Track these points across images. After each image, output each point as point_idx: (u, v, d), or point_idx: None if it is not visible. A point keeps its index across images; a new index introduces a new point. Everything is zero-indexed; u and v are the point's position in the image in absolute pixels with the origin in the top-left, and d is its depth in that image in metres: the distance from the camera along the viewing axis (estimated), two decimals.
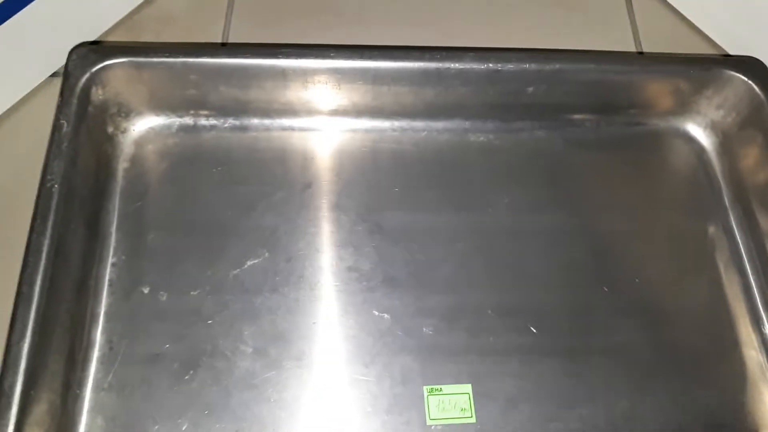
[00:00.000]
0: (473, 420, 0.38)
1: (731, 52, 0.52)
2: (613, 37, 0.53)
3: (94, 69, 0.41)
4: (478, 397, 0.39)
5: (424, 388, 0.39)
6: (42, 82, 0.48)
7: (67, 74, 0.41)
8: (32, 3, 0.43)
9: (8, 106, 0.47)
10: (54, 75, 0.48)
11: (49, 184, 0.38)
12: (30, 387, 0.33)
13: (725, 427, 0.39)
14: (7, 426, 0.31)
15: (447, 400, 0.38)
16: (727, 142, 0.47)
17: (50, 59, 0.48)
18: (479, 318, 0.41)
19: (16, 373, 0.32)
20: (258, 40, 0.51)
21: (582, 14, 0.54)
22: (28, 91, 0.47)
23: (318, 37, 0.50)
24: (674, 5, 0.55)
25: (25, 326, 0.33)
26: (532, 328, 0.41)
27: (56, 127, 0.39)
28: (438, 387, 0.39)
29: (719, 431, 0.39)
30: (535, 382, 0.39)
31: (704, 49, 0.53)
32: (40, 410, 0.34)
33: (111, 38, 0.51)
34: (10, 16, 0.43)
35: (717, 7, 0.52)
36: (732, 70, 0.45)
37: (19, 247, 0.36)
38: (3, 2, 0.42)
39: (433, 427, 0.38)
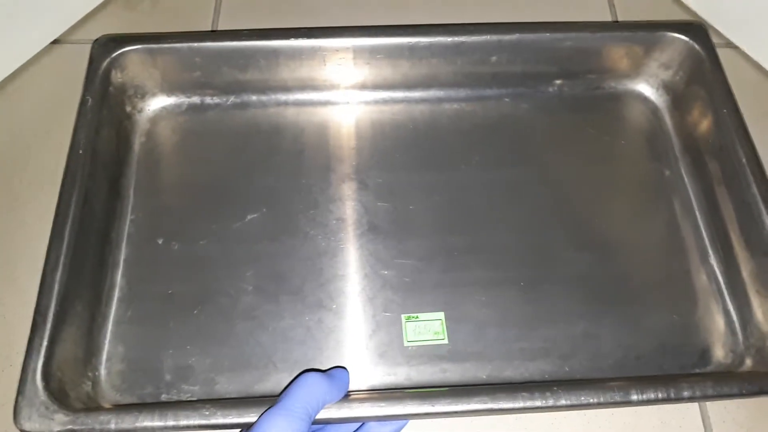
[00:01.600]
0: (445, 341, 0.43)
1: (707, 19, 0.57)
2: (590, 7, 0.59)
3: (113, 55, 0.48)
4: (450, 322, 0.44)
5: (402, 316, 0.44)
6: (42, 49, 0.53)
7: (91, 60, 0.48)
8: None
9: (11, 71, 0.52)
10: (54, 42, 0.53)
11: (76, 149, 0.44)
12: (62, 310, 0.39)
13: (676, 347, 0.43)
14: (42, 339, 0.37)
15: (422, 326, 0.44)
16: (676, 99, 0.52)
17: (50, 27, 0.52)
18: (451, 257, 0.46)
19: (50, 297, 0.38)
20: (249, 8, 0.57)
21: None
22: (30, 57, 0.52)
23: (307, 11, 0.57)
24: None
25: (58, 259, 0.39)
26: (498, 265, 0.46)
27: (82, 103, 0.46)
28: (415, 315, 0.44)
29: (671, 350, 0.43)
30: (501, 309, 0.44)
31: (680, 17, 0.58)
32: (70, 333, 0.40)
33: (109, 8, 0.56)
34: None
35: None
36: (676, 33, 0.50)
37: (49, 202, 0.42)
38: None
39: (410, 348, 0.43)
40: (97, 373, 0.41)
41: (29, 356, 0.37)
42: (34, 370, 0.36)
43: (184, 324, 0.43)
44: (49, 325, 0.38)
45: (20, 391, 0.36)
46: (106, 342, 0.43)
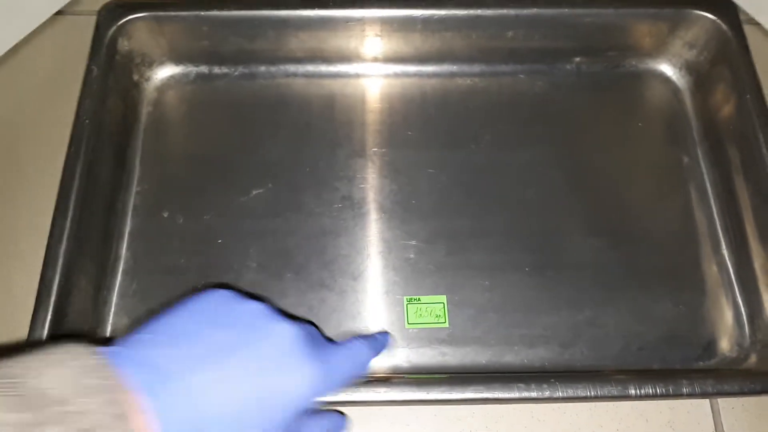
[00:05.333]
0: (446, 325, 0.43)
1: None
2: None
3: (120, 22, 0.47)
4: (452, 306, 0.44)
5: (404, 298, 0.44)
6: (46, 21, 0.52)
7: (97, 26, 0.47)
8: None
9: (14, 43, 0.51)
10: (58, 13, 0.53)
11: (81, 119, 0.44)
12: (67, 282, 0.39)
13: (681, 338, 0.43)
14: (47, 311, 0.38)
15: (424, 308, 0.43)
16: (699, 80, 0.50)
17: None
18: (456, 240, 0.46)
19: (55, 269, 0.39)
20: None
21: None
22: (33, 28, 0.52)
23: None
24: None
25: (62, 232, 0.40)
26: (504, 249, 0.45)
27: (88, 71, 0.45)
28: (416, 297, 0.44)
29: (675, 341, 0.43)
30: (504, 294, 0.44)
31: None
32: (75, 305, 0.40)
33: None
34: None
35: None
36: (702, 10, 0.48)
37: (53, 175, 0.42)
38: None
39: (410, 331, 0.43)
40: None
41: (33, 329, 0.37)
42: (39, 342, 0.37)
43: None
44: (53, 298, 0.38)
45: None
46: (111, 314, 0.43)
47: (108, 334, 0.42)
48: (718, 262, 0.45)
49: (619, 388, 0.36)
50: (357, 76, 0.51)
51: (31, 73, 0.52)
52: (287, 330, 0.28)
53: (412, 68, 0.51)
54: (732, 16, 0.47)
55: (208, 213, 0.47)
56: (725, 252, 0.45)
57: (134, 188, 0.47)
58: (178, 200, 0.47)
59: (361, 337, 0.33)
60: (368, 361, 0.32)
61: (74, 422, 0.22)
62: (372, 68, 0.51)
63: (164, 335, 0.28)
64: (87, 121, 0.44)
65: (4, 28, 0.51)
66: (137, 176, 0.48)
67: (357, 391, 0.36)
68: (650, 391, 0.36)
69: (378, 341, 0.34)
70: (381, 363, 0.42)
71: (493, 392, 0.36)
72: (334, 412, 0.34)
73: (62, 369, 0.23)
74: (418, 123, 0.50)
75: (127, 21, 0.48)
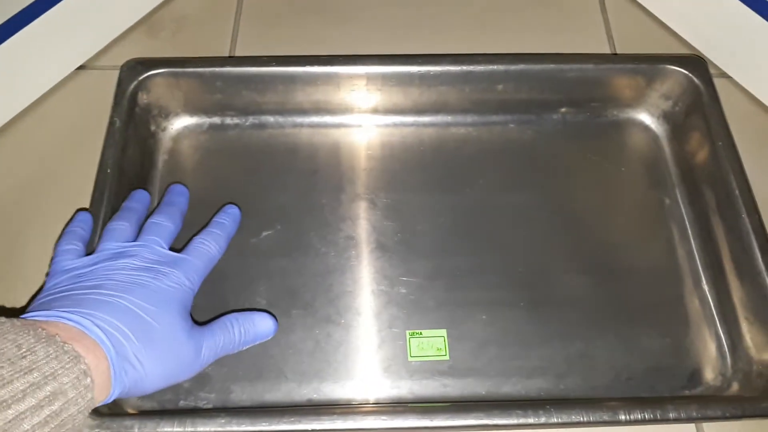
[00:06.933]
0: (447, 358, 0.45)
1: (702, 50, 0.59)
2: (589, 39, 0.61)
3: (140, 78, 0.51)
4: (452, 340, 0.46)
5: (407, 332, 0.46)
6: (69, 74, 0.56)
7: (120, 82, 0.51)
8: (60, 2, 0.51)
9: (38, 96, 0.55)
10: (80, 68, 0.57)
11: (104, 167, 0.47)
12: None
13: (667, 369, 0.45)
14: None
15: (425, 342, 0.46)
16: (675, 129, 0.54)
17: (76, 53, 0.56)
18: (455, 277, 0.48)
19: None
20: (264, 36, 0.61)
21: (560, 18, 0.63)
22: (57, 82, 0.56)
23: (318, 39, 0.60)
24: (646, 7, 0.62)
25: None
26: (500, 285, 0.48)
27: (111, 123, 0.49)
28: (418, 331, 0.46)
29: (662, 372, 0.45)
30: (501, 329, 0.47)
31: (676, 48, 0.60)
32: None
33: (132, 35, 0.60)
34: (40, 14, 0.51)
35: (686, 8, 0.59)
36: (676, 66, 0.52)
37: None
38: (34, 0, 0.50)
39: (413, 363, 0.45)
40: None
41: None
42: None
43: None
44: None
45: None
46: None
47: None
48: (700, 297, 0.48)
49: (610, 413, 0.39)
50: (359, 126, 0.55)
51: (53, 125, 0.55)
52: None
53: (410, 119, 0.55)
54: (702, 70, 0.52)
55: None
56: (706, 287, 0.49)
57: None
58: None
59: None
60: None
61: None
62: (373, 119, 0.55)
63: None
64: (109, 170, 0.47)
65: (29, 80, 0.55)
66: None
67: (363, 419, 0.38)
68: (639, 416, 0.39)
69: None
70: (384, 393, 0.44)
71: (493, 419, 0.38)
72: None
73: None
74: (416, 169, 0.53)
75: (147, 77, 0.51)
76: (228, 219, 0.46)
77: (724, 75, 0.59)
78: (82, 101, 0.56)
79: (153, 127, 0.54)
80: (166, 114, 0.54)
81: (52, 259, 0.41)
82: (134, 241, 0.42)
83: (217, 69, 0.52)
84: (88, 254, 0.41)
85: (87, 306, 0.34)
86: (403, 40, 0.61)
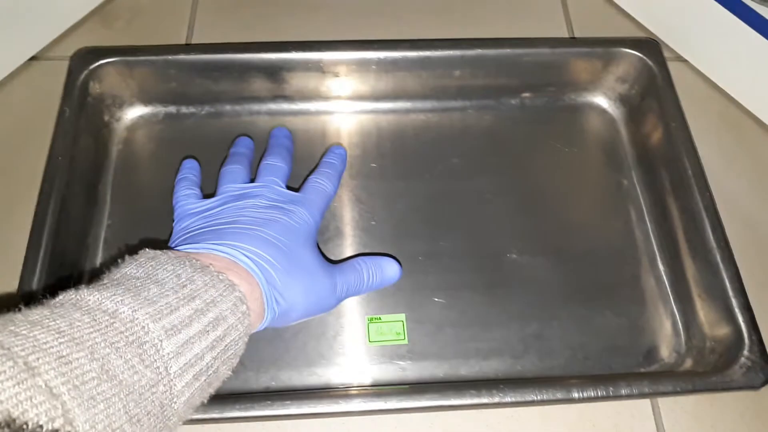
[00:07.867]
0: (406, 342, 0.45)
1: (659, 35, 0.60)
2: (548, 24, 0.61)
3: (91, 67, 0.50)
4: (411, 323, 0.46)
5: (366, 317, 0.46)
6: (20, 65, 0.55)
7: (70, 71, 0.50)
8: None
9: None
10: (32, 59, 0.56)
11: (55, 157, 0.46)
12: None
13: (623, 347, 0.46)
14: None
15: (384, 327, 0.46)
16: (631, 112, 0.55)
17: (28, 44, 0.55)
18: (413, 262, 0.48)
19: (28, 299, 0.40)
20: (221, 25, 0.60)
21: (520, 3, 0.63)
22: (8, 73, 0.55)
23: (276, 27, 0.59)
24: None
25: (35, 264, 0.42)
26: (459, 269, 0.48)
27: (61, 113, 0.48)
28: (377, 316, 0.46)
29: (618, 350, 0.46)
30: (459, 311, 0.47)
31: (634, 33, 0.61)
32: None
33: (87, 24, 0.59)
34: None
35: None
36: (630, 49, 0.53)
37: (26, 212, 0.45)
38: None
39: (372, 348, 0.45)
40: None
41: None
42: None
43: None
44: None
45: None
46: None
47: None
48: (656, 276, 0.49)
49: (564, 391, 0.39)
50: (317, 113, 0.55)
51: (5, 116, 0.54)
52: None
53: (369, 105, 0.55)
54: (656, 53, 0.53)
55: None
56: (661, 266, 0.49)
57: (105, 222, 0.49)
58: (147, 232, 0.49)
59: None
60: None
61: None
62: (331, 106, 0.55)
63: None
64: (60, 158, 0.46)
65: None
66: (108, 211, 0.50)
67: (317, 404, 0.38)
68: (592, 393, 0.39)
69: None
70: (343, 378, 0.44)
71: (448, 399, 0.38)
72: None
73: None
74: (375, 156, 0.53)
75: (98, 66, 0.50)
76: (337, 159, 0.48)
77: (680, 59, 0.60)
78: (34, 93, 0.55)
79: (107, 117, 0.53)
80: (120, 104, 0.53)
81: (173, 206, 0.44)
82: (251, 182, 0.44)
83: (170, 57, 0.51)
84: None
85: (231, 238, 0.35)
86: (363, 27, 0.61)
